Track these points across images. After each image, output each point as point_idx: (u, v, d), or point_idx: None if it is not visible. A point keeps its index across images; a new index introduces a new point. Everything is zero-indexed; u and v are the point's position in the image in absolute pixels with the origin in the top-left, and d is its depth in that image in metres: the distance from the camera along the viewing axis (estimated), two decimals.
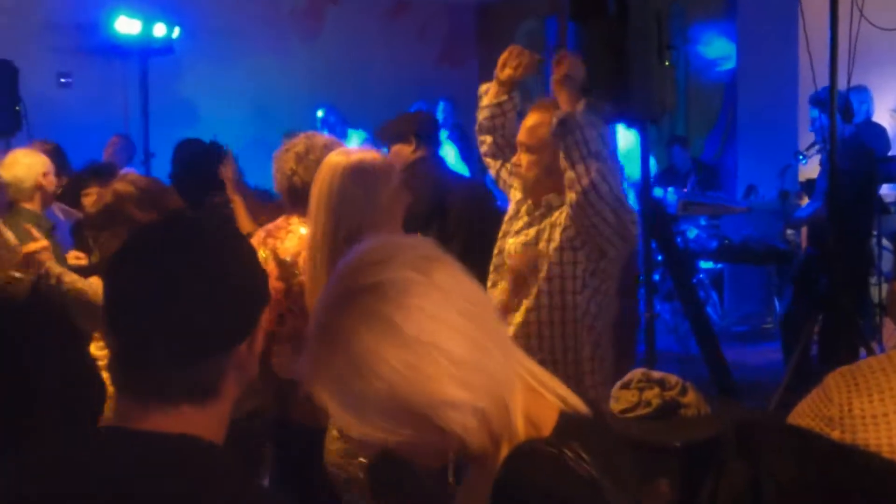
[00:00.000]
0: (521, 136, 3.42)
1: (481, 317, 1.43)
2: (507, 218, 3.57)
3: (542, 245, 3.33)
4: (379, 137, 5.09)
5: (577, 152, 3.11)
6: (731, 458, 2.16)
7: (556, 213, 3.35)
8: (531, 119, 3.42)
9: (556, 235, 3.30)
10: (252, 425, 3.24)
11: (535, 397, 1.46)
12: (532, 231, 3.40)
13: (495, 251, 3.51)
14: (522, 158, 3.41)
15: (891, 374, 2.25)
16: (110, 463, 1.35)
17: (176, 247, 1.42)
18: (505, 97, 3.61)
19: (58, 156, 6.10)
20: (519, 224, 3.48)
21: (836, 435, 2.20)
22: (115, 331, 1.40)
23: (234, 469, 1.40)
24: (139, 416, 1.38)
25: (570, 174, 3.15)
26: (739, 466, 2.11)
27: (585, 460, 1.36)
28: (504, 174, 3.66)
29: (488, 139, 3.68)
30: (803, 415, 2.30)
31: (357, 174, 2.97)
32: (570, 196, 3.17)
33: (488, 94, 3.65)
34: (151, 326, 1.36)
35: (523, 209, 3.49)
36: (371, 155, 3.06)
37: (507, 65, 3.58)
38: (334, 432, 3.02)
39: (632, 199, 5.96)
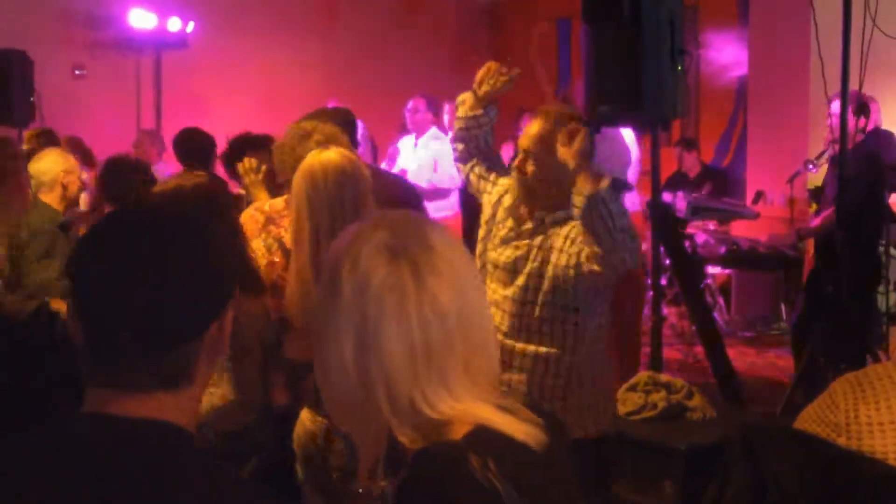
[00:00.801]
0: (527, 143, 3.40)
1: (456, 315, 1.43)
2: (484, 219, 3.57)
3: (534, 265, 3.35)
4: None
5: (602, 227, 3.09)
6: (735, 463, 2.18)
7: (553, 235, 3.34)
8: (536, 126, 3.40)
9: (556, 260, 3.31)
10: (238, 443, 3.24)
11: (477, 409, 1.43)
12: (523, 245, 3.39)
13: (477, 251, 3.50)
14: (528, 166, 3.38)
15: None
16: (83, 448, 1.35)
17: (143, 233, 1.40)
18: (481, 111, 3.60)
19: (81, 150, 6.19)
20: (504, 231, 3.46)
21: (841, 441, 2.21)
22: (85, 321, 1.39)
23: (205, 455, 1.41)
24: (112, 404, 1.37)
25: (593, 248, 3.13)
26: (744, 471, 2.12)
27: (491, 470, 1.33)
28: (473, 177, 3.66)
29: (460, 146, 3.69)
30: (809, 421, 2.32)
31: (336, 173, 3.02)
32: (592, 266, 3.15)
33: (464, 105, 3.64)
34: (122, 315, 1.36)
35: (510, 221, 3.47)
36: (346, 154, 3.11)
37: (485, 81, 3.56)
38: (340, 444, 3.04)
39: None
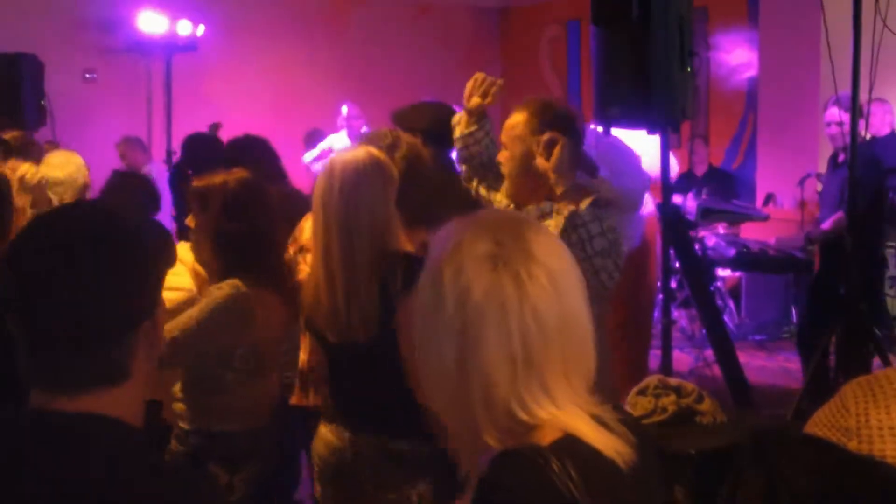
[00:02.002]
0: (502, 134, 3.36)
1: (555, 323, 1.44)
2: None
3: None
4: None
5: (579, 251, 2.93)
6: (746, 467, 2.16)
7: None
8: (511, 118, 3.33)
9: None
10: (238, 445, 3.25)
11: (564, 416, 1.43)
12: None
13: None
14: (502, 156, 3.33)
15: None
16: (22, 442, 1.38)
17: (73, 233, 1.44)
18: (475, 127, 3.56)
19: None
20: None
21: (852, 445, 2.20)
22: (21, 321, 1.41)
23: (151, 449, 1.45)
24: (52, 402, 1.40)
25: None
26: (755, 475, 2.11)
27: (572, 478, 1.34)
28: (483, 192, 3.62)
29: (464, 167, 3.64)
30: (819, 425, 2.30)
31: (372, 171, 2.97)
32: None
33: (459, 125, 3.61)
34: (56, 314, 1.39)
35: None
36: (377, 153, 3.07)
37: (474, 93, 3.53)
38: (377, 457, 2.98)
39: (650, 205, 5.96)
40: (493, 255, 1.43)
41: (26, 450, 1.37)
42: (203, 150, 6.21)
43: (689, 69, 4.60)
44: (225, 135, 9.58)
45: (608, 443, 1.41)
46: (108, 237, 1.44)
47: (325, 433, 3.09)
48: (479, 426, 1.42)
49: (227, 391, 3.19)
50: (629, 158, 5.03)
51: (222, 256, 3.20)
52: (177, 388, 3.27)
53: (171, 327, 3.02)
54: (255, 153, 5.15)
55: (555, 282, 1.44)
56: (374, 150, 3.07)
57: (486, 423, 1.42)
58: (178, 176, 6.61)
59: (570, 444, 1.39)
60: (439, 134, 3.97)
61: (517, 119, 3.30)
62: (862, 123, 6.28)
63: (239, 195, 3.24)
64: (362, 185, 2.96)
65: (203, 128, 9.27)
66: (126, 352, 1.44)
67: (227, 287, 3.15)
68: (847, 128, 5.21)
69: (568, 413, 1.42)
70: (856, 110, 5.18)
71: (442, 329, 1.44)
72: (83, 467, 1.35)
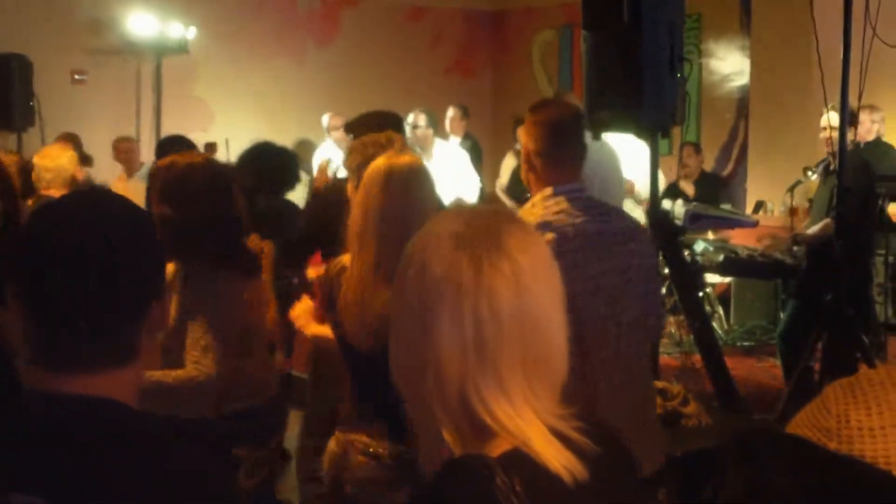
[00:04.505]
0: None
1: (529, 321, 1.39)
2: None
3: None
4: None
5: None
6: (730, 467, 2.17)
7: None
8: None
9: None
10: (229, 426, 3.25)
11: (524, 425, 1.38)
12: None
13: None
14: None
15: (889, 387, 2.25)
16: (34, 424, 1.39)
17: (85, 218, 1.47)
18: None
19: (78, 146, 6.30)
20: None
21: (832, 446, 2.19)
22: (34, 303, 1.44)
23: (152, 430, 1.46)
24: (60, 383, 1.43)
25: None
26: (738, 475, 2.11)
27: (516, 493, 1.29)
28: None
29: None
30: (801, 425, 2.30)
31: (411, 176, 3.00)
32: None
33: None
34: (73, 297, 1.42)
35: None
36: (415, 158, 3.10)
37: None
38: (361, 458, 2.99)
39: (640, 213, 5.97)
40: (458, 235, 1.39)
41: (36, 435, 1.38)
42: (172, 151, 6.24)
43: (679, 74, 4.61)
44: (216, 138, 9.62)
45: (559, 458, 1.35)
46: (127, 219, 1.49)
47: (331, 442, 3.09)
48: (435, 418, 1.38)
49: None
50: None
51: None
52: None
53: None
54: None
55: (519, 276, 1.38)
56: (412, 157, 3.08)
57: (442, 415, 1.38)
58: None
59: (519, 458, 1.34)
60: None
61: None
62: (853, 131, 6.33)
63: (170, 179, 3.27)
64: (416, 190, 2.97)
65: (192, 130, 9.27)
66: (136, 332, 1.48)
67: None
68: (854, 133, 5.24)
69: (523, 419, 1.36)
70: (845, 118, 5.20)
71: (403, 303, 1.41)
72: (92, 450, 1.37)
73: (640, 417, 3.15)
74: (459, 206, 1.46)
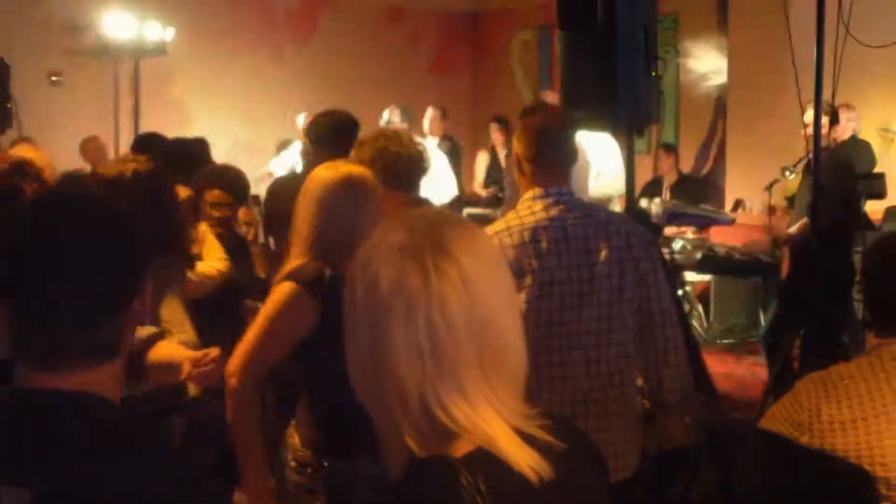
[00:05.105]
0: None
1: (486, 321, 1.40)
2: None
3: None
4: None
5: None
6: (702, 462, 2.18)
7: None
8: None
9: None
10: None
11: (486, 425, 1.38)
12: None
13: None
14: None
15: (859, 381, 2.29)
16: (18, 420, 1.42)
17: (68, 215, 1.49)
18: None
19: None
20: None
21: (804, 440, 2.23)
22: (18, 299, 1.46)
23: (135, 424, 1.50)
24: (43, 379, 1.45)
25: None
26: (711, 469, 2.13)
27: (480, 492, 1.30)
28: None
29: None
30: (774, 420, 2.33)
31: (348, 188, 3.03)
32: None
33: None
34: (57, 292, 1.44)
35: None
36: (359, 169, 3.12)
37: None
38: (292, 463, 3.05)
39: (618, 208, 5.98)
40: (402, 246, 1.39)
41: (22, 429, 1.41)
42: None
43: (654, 73, 4.63)
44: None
45: (523, 457, 1.35)
46: (108, 217, 1.52)
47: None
48: (399, 426, 1.38)
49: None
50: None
51: None
52: None
53: None
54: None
55: (466, 279, 1.38)
56: (355, 170, 3.11)
57: (405, 423, 1.38)
58: None
59: (482, 458, 1.34)
60: (331, 140, 4.31)
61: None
62: (835, 128, 6.37)
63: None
64: (337, 206, 3.00)
65: (171, 132, 9.23)
66: (118, 329, 1.50)
67: None
68: (822, 131, 5.27)
69: (485, 421, 1.37)
70: (819, 116, 5.23)
71: (356, 323, 1.42)
72: (76, 444, 1.39)
73: (620, 415, 3.18)
74: (400, 216, 1.44)
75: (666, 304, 3.22)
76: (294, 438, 3.04)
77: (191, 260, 4.04)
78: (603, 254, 3.13)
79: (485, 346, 1.38)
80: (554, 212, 3.15)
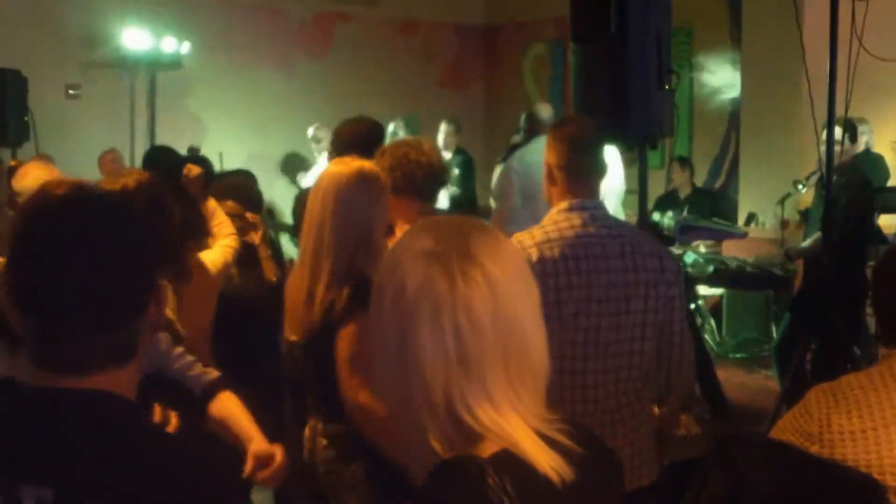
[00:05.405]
0: None
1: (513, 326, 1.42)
2: None
3: None
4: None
5: None
6: (712, 470, 2.19)
7: None
8: None
9: None
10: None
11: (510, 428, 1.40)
12: None
13: None
14: None
15: (870, 391, 2.30)
16: (40, 421, 1.43)
17: (80, 221, 1.48)
18: None
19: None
20: None
21: (814, 449, 2.23)
22: (35, 309, 1.46)
23: (155, 425, 1.49)
24: (64, 382, 1.46)
25: None
26: (720, 479, 2.14)
27: (507, 492, 1.32)
28: None
29: None
30: (784, 430, 2.35)
31: (361, 181, 3.06)
32: None
33: None
34: (76, 300, 1.44)
35: None
36: (368, 164, 3.15)
37: None
38: (323, 441, 3.10)
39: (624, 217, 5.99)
40: (429, 252, 1.42)
41: (43, 428, 1.42)
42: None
43: (667, 86, 4.63)
44: (210, 152, 9.64)
45: (547, 459, 1.38)
46: (120, 216, 1.52)
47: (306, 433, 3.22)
48: (425, 429, 1.40)
49: None
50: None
51: None
52: None
53: None
54: None
55: (492, 284, 1.41)
56: (366, 165, 3.13)
57: (431, 426, 1.40)
58: None
59: (508, 459, 1.37)
60: (361, 148, 4.15)
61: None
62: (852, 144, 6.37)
63: None
64: (350, 201, 3.03)
65: (187, 144, 9.30)
66: (135, 332, 1.51)
67: None
68: (841, 147, 5.27)
69: (509, 424, 1.39)
70: (832, 129, 5.24)
71: (383, 327, 1.44)
72: (97, 443, 1.40)
73: (642, 427, 3.21)
74: (425, 222, 1.47)
75: (684, 323, 3.25)
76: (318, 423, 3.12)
77: (200, 245, 4.11)
78: (638, 274, 3.13)
79: (509, 350, 1.41)
80: (592, 227, 3.13)
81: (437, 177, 3.72)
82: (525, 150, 6.27)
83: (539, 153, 4.20)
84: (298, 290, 3.10)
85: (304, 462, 3.15)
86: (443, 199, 7.50)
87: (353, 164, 3.11)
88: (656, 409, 3.95)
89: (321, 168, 8.69)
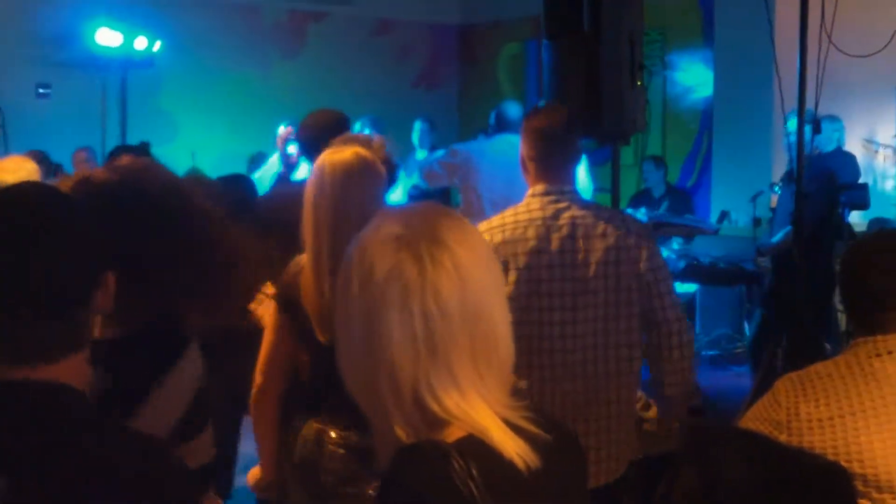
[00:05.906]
0: None
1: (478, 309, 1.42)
2: None
3: None
4: None
5: None
6: (683, 463, 2.20)
7: None
8: None
9: None
10: None
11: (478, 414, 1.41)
12: None
13: None
14: None
15: (837, 379, 2.32)
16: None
17: (23, 212, 1.52)
18: None
19: (44, 162, 6.23)
20: None
21: (783, 438, 2.25)
22: None
23: (103, 414, 1.54)
24: (14, 372, 1.47)
25: None
26: (691, 468, 2.15)
27: (472, 476, 1.32)
28: None
29: None
30: (753, 419, 2.36)
31: (362, 166, 3.04)
32: None
33: None
34: (19, 289, 1.47)
35: None
36: (363, 150, 3.12)
37: None
38: (339, 450, 3.01)
39: None
40: (397, 237, 1.42)
41: (3, 421, 1.43)
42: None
43: (639, 83, 4.65)
44: (182, 151, 9.60)
45: (512, 445, 1.38)
46: (63, 206, 1.56)
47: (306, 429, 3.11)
48: (390, 416, 1.40)
49: None
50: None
51: None
52: None
53: None
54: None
55: (460, 269, 1.41)
56: (362, 150, 3.11)
57: (396, 413, 1.40)
58: None
59: (473, 444, 1.37)
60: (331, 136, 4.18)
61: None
62: (813, 137, 6.40)
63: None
64: (351, 185, 3.00)
65: (158, 144, 9.23)
66: (81, 322, 1.54)
67: None
68: (809, 140, 5.30)
69: (475, 410, 1.39)
70: (802, 126, 5.26)
71: (351, 311, 1.43)
72: (50, 432, 1.42)
73: (615, 418, 3.23)
74: (392, 210, 1.46)
75: (671, 311, 3.26)
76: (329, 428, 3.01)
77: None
78: (601, 253, 3.16)
79: (476, 336, 1.41)
80: (551, 210, 3.20)
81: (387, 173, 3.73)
82: (482, 141, 6.41)
83: (496, 151, 4.21)
84: (310, 286, 3.02)
85: (302, 462, 3.09)
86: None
87: (347, 150, 3.07)
88: (639, 406, 3.97)
89: (273, 166, 8.63)
